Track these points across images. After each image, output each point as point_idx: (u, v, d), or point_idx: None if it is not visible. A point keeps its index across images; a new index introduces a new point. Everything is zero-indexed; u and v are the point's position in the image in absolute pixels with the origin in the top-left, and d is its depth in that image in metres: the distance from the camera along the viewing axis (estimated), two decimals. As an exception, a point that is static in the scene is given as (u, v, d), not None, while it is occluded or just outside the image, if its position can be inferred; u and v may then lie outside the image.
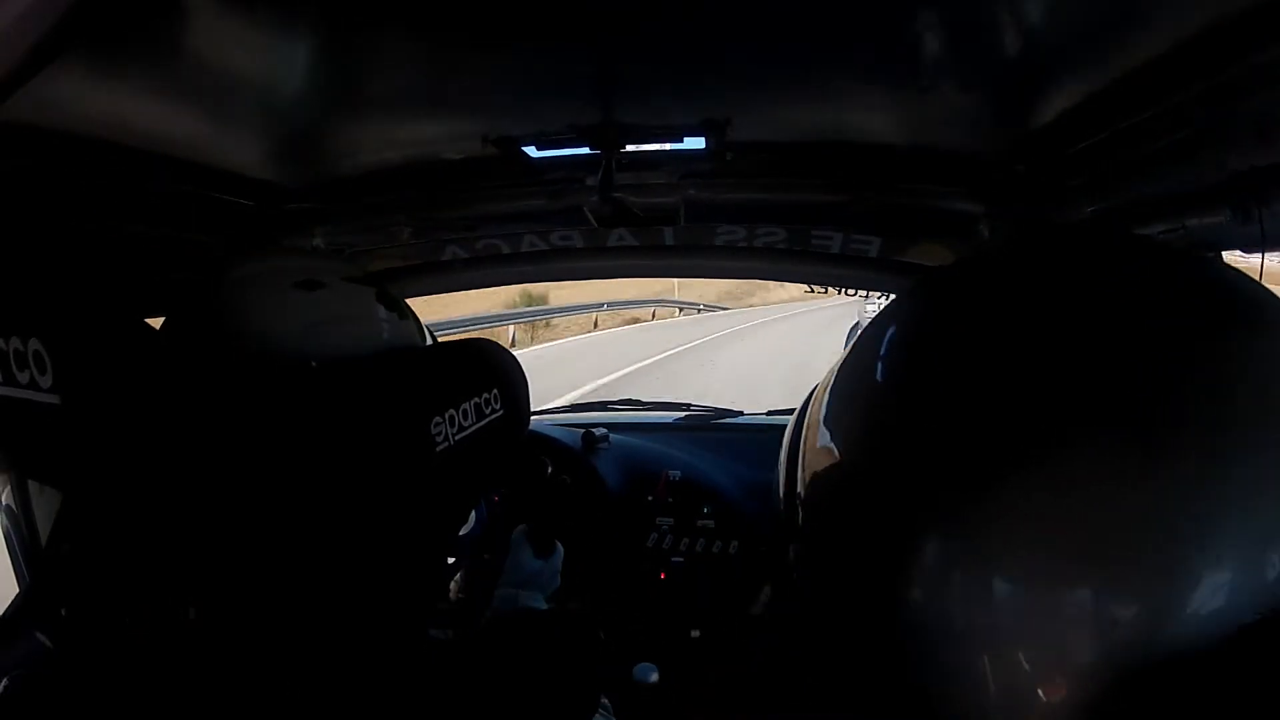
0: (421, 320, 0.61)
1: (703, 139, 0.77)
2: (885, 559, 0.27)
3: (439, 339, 0.68)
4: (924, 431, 0.27)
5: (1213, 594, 0.21)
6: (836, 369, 0.34)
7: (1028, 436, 0.24)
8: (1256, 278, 0.33)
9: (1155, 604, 0.22)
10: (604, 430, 1.43)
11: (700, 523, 1.31)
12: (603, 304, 13.91)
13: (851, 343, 0.34)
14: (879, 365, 0.30)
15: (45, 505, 0.44)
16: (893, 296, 1.20)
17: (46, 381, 0.40)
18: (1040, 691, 0.23)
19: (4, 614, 0.47)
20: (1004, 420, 0.24)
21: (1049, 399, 0.24)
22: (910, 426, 0.27)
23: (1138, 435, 0.23)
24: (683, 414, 1.71)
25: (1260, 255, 0.48)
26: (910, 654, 0.26)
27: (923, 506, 0.26)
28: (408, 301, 0.59)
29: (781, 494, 0.35)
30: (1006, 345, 0.26)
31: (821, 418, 0.33)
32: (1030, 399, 0.24)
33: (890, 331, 0.31)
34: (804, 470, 0.33)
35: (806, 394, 0.37)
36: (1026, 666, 0.24)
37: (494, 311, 10.84)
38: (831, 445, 0.31)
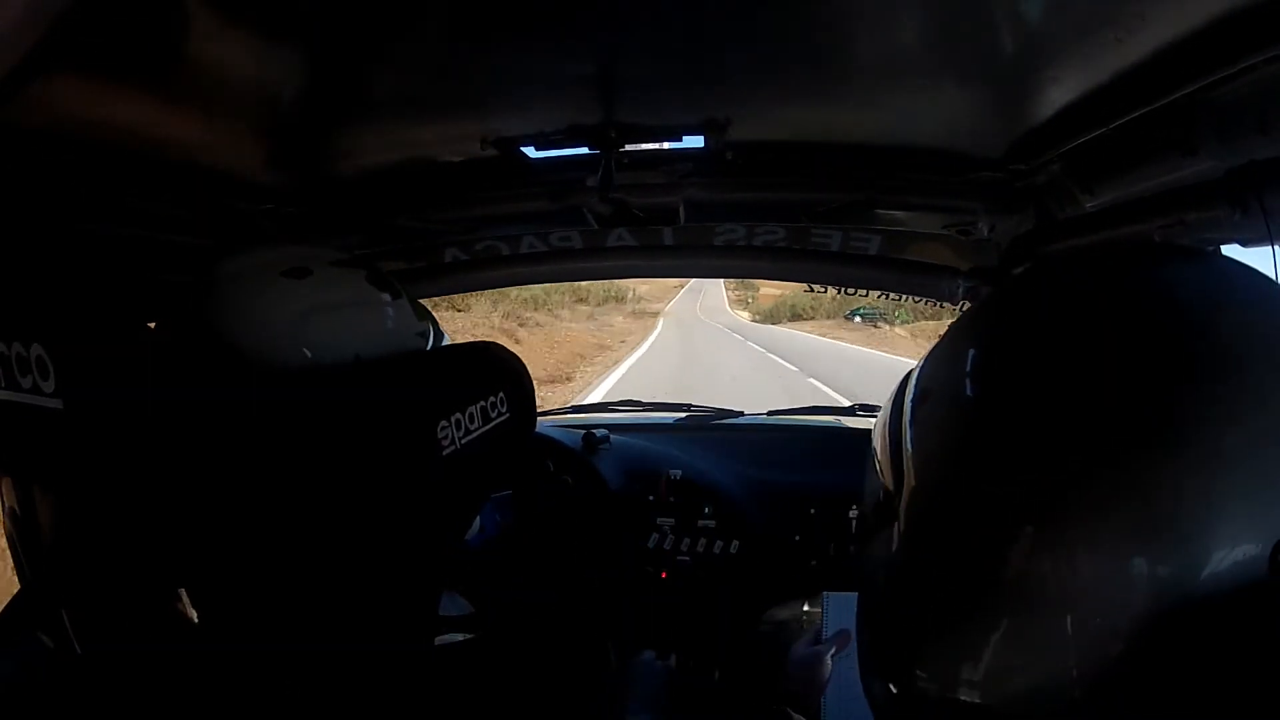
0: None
1: (702, 138, 0.77)
2: (987, 541, 0.34)
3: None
4: (1014, 440, 0.34)
5: (1223, 557, 0.30)
6: (921, 378, 0.41)
7: (1099, 444, 0.31)
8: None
9: (1186, 563, 0.30)
10: (605, 431, 1.43)
11: (701, 523, 1.31)
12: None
13: (928, 355, 0.41)
14: (967, 382, 0.37)
15: (48, 508, 0.44)
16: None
17: (49, 386, 0.40)
18: (1102, 642, 0.31)
19: (6, 615, 0.47)
20: (1078, 431, 0.32)
21: (1113, 415, 0.31)
22: (1001, 436, 0.34)
23: (1171, 449, 0.31)
24: (683, 415, 1.70)
25: (1272, 251, 0.48)
26: (1002, 617, 0.34)
27: (1019, 500, 0.33)
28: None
29: (886, 481, 0.42)
30: (1071, 366, 0.33)
31: (916, 425, 0.39)
32: (1098, 414, 0.32)
33: (973, 352, 0.38)
34: (901, 469, 0.39)
35: (894, 394, 0.44)
36: (1095, 620, 0.31)
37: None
38: (931, 450, 0.38)
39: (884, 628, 0.42)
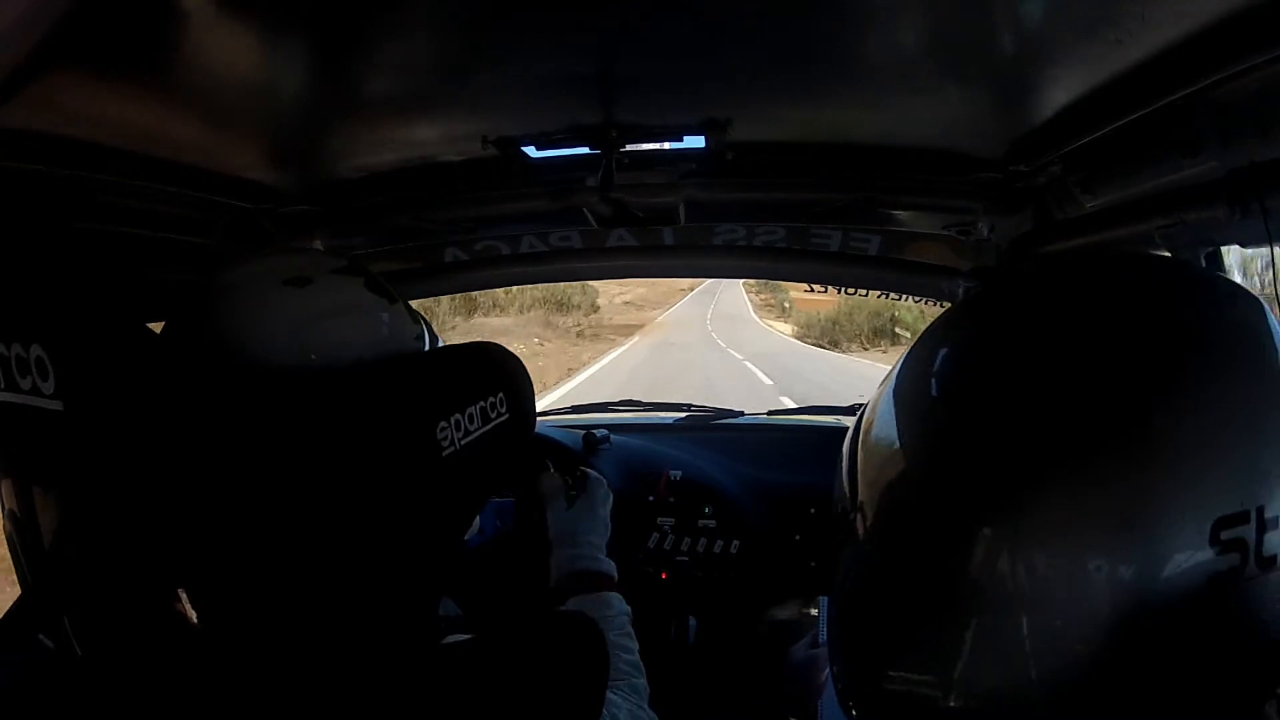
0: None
1: (702, 138, 0.77)
2: (947, 541, 0.34)
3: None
4: (974, 440, 0.34)
5: (1174, 552, 0.30)
6: (893, 379, 0.41)
7: (1055, 446, 0.32)
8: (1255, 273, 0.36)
9: (1147, 564, 0.30)
10: (605, 431, 1.43)
11: (701, 522, 1.31)
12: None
13: (904, 357, 0.42)
14: (933, 381, 0.38)
15: (49, 509, 0.44)
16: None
17: (49, 387, 0.40)
18: (1066, 642, 0.31)
19: (7, 616, 0.47)
20: (1036, 433, 0.32)
21: (1069, 416, 0.32)
22: (963, 436, 0.35)
23: (1129, 448, 0.31)
24: (683, 414, 1.70)
25: (1270, 251, 0.48)
26: (965, 617, 0.34)
27: (978, 500, 0.33)
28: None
29: (845, 487, 0.42)
30: (1035, 370, 0.34)
31: (882, 424, 0.40)
32: (1055, 416, 0.32)
33: (942, 353, 0.39)
34: (867, 470, 0.40)
35: (865, 402, 0.44)
36: (1057, 621, 0.32)
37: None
38: (895, 449, 0.38)
39: (850, 632, 0.42)
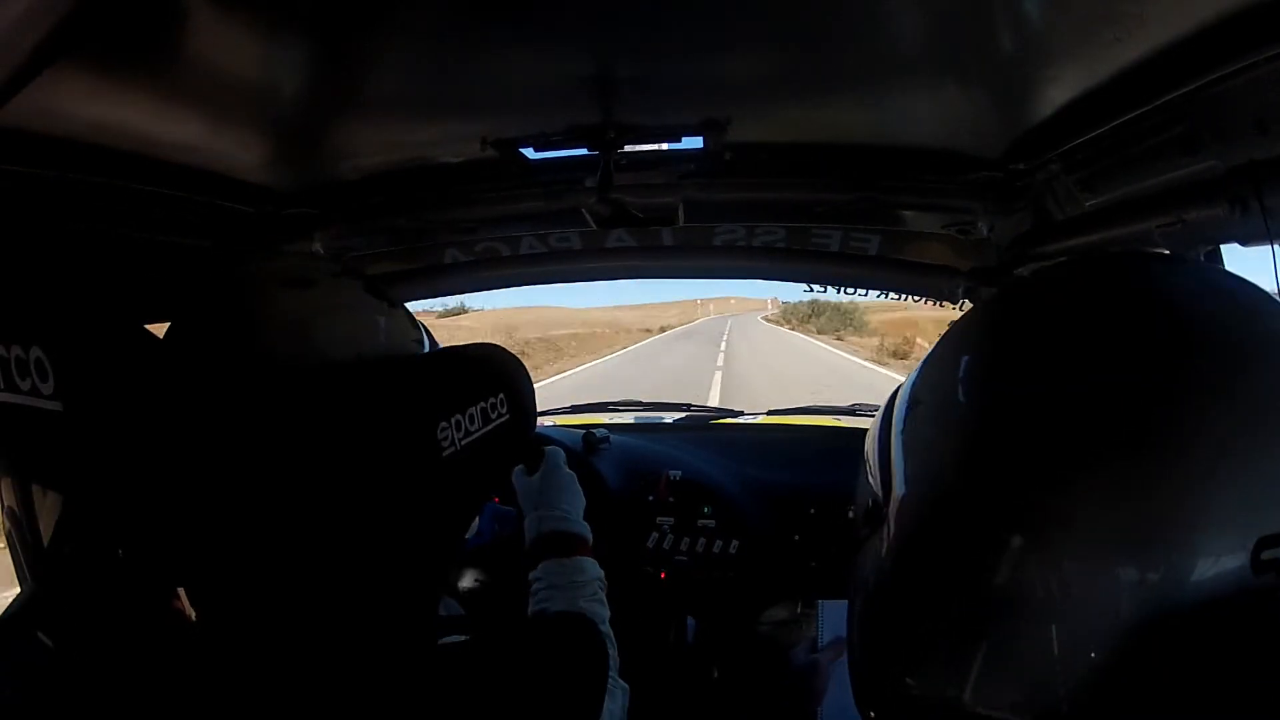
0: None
1: (701, 139, 0.77)
2: (975, 549, 0.34)
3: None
4: (1003, 448, 0.34)
5: (1209, 566, 0.30)
6: (916, 384, 0.41)
7: (1085, 454, 0.32)
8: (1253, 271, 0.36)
9: (1178, 577, 0.30)
10: (605, 431, 1.43)
11: (701, 522, 1.31)
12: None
13: (925, 360, 0.41)
14: (959, 388, 0.37)
15: (48, 508, 0.44)
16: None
17: (48, 389, 0.40)
18: (1092, 652, 0.31)
19: (6, 614, 0.47)
20: (1066, 441, 0.32)
21: (1099, 424, 0.32)
22: (991, 444, 0.34)
23: (1157, 455, 0.31)
24: (683, 414, 1.71)
25: (1271, 250, 0.48)
26: (991, 625, 0.34)
27: (1007, 508, 0.33)
28: (410, 305, 0.59)
29: (871, 490, 0.42)
30: (1064, 377, 0.33)
31: (908, 430, 0.39)
32: (1085, 424, 0.32)
33: (967, 359, 0.38)
34: (894, 474, 0.39)
35: (886, 402, 0.44)
36: (1084, 631, 0.31)
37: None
38: (921, 456, 0.38)
39: (873, 635, 0.42)
